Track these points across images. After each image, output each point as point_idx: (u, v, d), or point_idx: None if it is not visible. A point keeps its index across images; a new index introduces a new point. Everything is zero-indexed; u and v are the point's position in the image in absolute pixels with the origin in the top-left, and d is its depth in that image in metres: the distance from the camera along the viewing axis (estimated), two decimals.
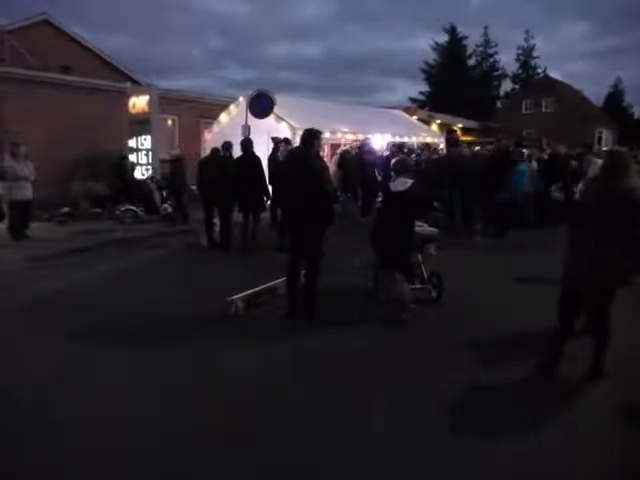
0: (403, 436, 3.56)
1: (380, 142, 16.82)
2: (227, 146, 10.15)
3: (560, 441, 3.49)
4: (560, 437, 3.54)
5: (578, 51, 79.16)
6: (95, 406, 3.94)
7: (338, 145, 16.67)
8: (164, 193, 13.54)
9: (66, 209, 12.97)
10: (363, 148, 14.27)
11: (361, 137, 16.28)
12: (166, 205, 13.12)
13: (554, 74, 47.13)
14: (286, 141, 11.72)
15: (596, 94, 52.47)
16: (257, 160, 9.61)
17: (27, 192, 10.38)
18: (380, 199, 6.12)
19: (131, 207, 12.53)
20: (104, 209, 13.46)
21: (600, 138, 39.32)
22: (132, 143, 14.32)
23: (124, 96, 14.71)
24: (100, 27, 62.53)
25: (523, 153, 12.50)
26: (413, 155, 13.51)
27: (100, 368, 4.64)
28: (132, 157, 14.06)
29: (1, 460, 3.28)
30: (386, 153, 13.69)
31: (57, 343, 5.17)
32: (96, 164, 14.52)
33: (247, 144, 9.71)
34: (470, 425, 3.73)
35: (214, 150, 10.04)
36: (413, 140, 19.50)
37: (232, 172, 9.36)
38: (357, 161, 13.07)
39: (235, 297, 6.08)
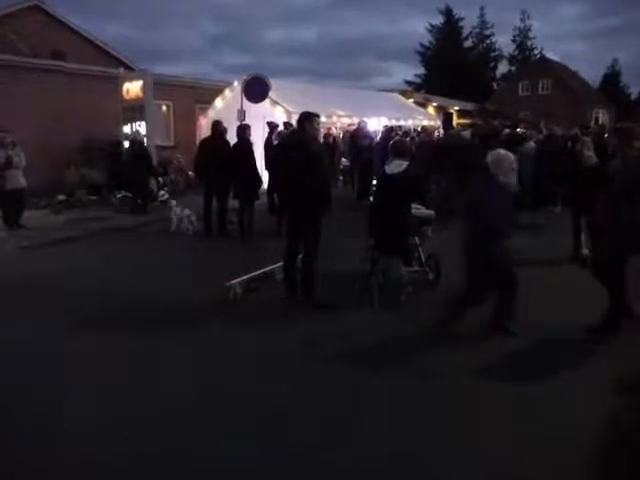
0: (402, 414, 3.61)
1: (376, 125, 16.76)
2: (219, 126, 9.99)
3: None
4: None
5: (574, 32, 78.73)
6: (94, 391, 3.96)
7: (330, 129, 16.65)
8: (160, 180, 13.49)
9: (61, 197, 12.90)
10: (358, 132, 14.23)
11: (356, 120, 16.22)
12: (163, 192, 13.07)
13: (551, 55, 46.87)
14: (286, 125, 11.65)
15: (593, 75, 52.27)
16: (251, 147, 9.57)
17: (19, 181, 10.29)
18: (376, 182, 6.10)
19: (126, 194, 12.47)
20: (100, 196, 13.39)
21: (597, 119, 39.20)
22: (127, 129, 14.20)
23: (118, 82, 14.56)
24: (93, 13, 61.90)
25: (523, 136, 12.47)
26: (408, 138, 13.45)
27: (99, 353, 4.65)
28: (126, 143, 13.94)
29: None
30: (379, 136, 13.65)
31: (56, 329, 5.19)
32: (91, 151, 14.43)
33: (243, 130, 9.65)
34: (470, 407, 3.76)
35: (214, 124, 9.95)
36: (409, 123, 19.42)
37: (226, 155, 9.32)
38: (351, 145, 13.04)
39: (233, 282, 6.09)
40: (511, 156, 4.92)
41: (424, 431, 3.43)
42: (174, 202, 10.32)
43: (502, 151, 5.04)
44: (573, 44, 75.82)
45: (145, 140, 13.23)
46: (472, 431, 3.42)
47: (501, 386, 4.02)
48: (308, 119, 5.79)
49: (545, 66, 42.26)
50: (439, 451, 3.21)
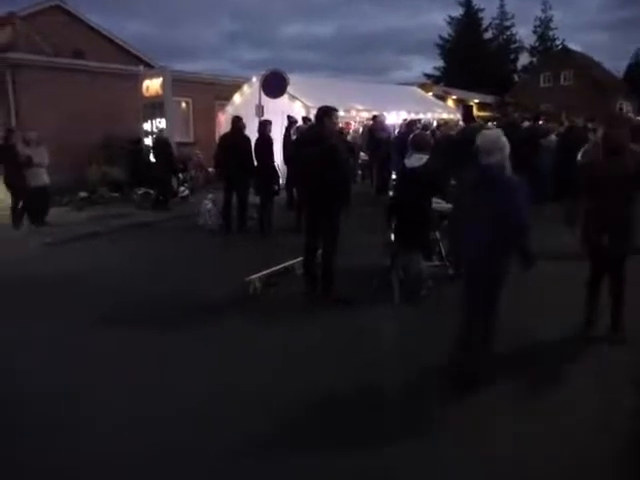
0: (420, 404, 3.59)
1: (395, 119, 16.65)
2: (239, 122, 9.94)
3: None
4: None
5: (597, 22, 76.87)
6: (113, 388, 4.01)
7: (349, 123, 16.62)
8: (180, 176, 13.58)
9: (84, 194, 13.08)
10: (376, 125, 14.14)
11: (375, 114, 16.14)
12: (183, 187, 13.17)
13: (573, 46, 45.91)
14: (305, 119, 11.65)
15: (617, 66, 51.14)
16: (271, 143, 9.58)
17: (43, 178, 10.46)
18: (395, 176, 6.06)
19: (148, 190, 12.59)
20: (121, 193, 13.54)
21: (621, 110, 38.39)
22: (147, 126, 14.33)
23: (138, 79, 14.69)
24: (112, 12, 62.40)
25: (547, 130, 12.30)
26: (428, 131, 13.32)
27: (120, 349, 4.71)
28: (147, 140, 14.07)
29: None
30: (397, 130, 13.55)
31: (80, 325, 5.27)
32: (112, 148, 14.59)
33: (263, 126, 9.68)
34: (487, 399, 3.72)
35: (234, 120, 9.94)
36: (428, 116, 19.23)
37: (245, 151, 9.35)
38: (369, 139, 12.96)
39: (253, 277, 6.11)
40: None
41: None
42: (210, 195, 10.27)
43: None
44: (596, 34, 74.26)
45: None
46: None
47: (505, 385, 3.98)
48: (327, 113, 5.76)
49: (567, 57, 41.44)
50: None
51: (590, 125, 12.89)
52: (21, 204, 10.26)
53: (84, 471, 3.05)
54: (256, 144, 9.56)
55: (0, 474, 3.05)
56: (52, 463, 3.13)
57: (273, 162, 9.72)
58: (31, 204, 10.32)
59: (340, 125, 15.79)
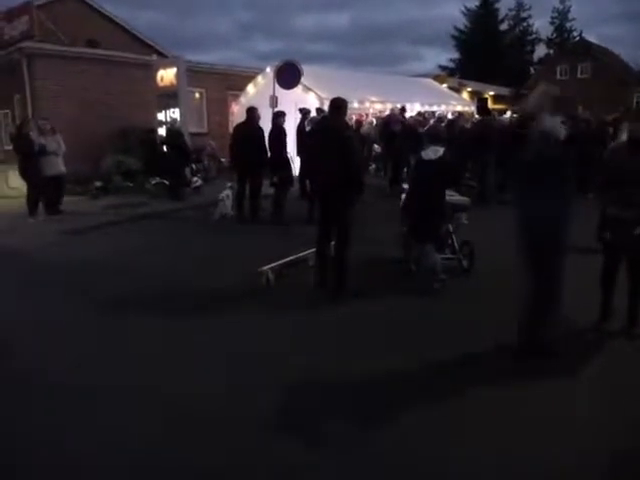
0: (432, 397, 3.61)
1: (409, 112, 16.57)
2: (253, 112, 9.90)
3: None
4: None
5: (616, 13, 75.47)
6: (126, 374, 4.06)
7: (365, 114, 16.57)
8: (194, 166, 13.61)
9: (99, 183, 13.16)
10: (390, 118, 14.09)
11: (389, 106, 16.08)
12: (196, 178, 13.22)
13: (590, 38, 45.16)
14: (319, 111, 11.64)
15: (634, 57, 50.22)
16: (283, 133, 9.60)
17: (58, 167, 10.54)
18: (412, 168, 6.04)
19: (161, 180, 12.65)
20: (135, 182, 13.62)
21: (639, 103, 37.80)
22: (161, 116, 14.37)
23: (152, 69, 14.72)
24: (127, 2, 62.43)
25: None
26: (443, 124, 13.25)
27: (134, 336, 4.77)
28: (161, 130, 14.12)
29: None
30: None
31: (92, 311, 5.34)
32: (126, 138, 14.66)
33: (277, 117, 9.69)
34: (500, 391, 3.71)
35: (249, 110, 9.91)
36: (442, 109, 19.11)
37: (258, 140, 9.36)
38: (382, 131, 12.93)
39: (266, 268, 6.13)
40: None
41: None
42: (229, 184, 10.26)
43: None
44: (614, 26, 72.50)
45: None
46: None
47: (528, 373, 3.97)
48: (339, 105, 5.74)
49: (584, 48, 40.82)
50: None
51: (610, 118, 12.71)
52: (36, 192, 10.34)
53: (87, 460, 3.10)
54: (269, 135, 9.59)
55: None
56: (57, 463, 3.18)
57: (286, 153, 9.74)
58: (46, 193, 10.41)
59: (355, 117, 15.81)
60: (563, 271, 4.16)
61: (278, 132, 9.56)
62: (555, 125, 4.43)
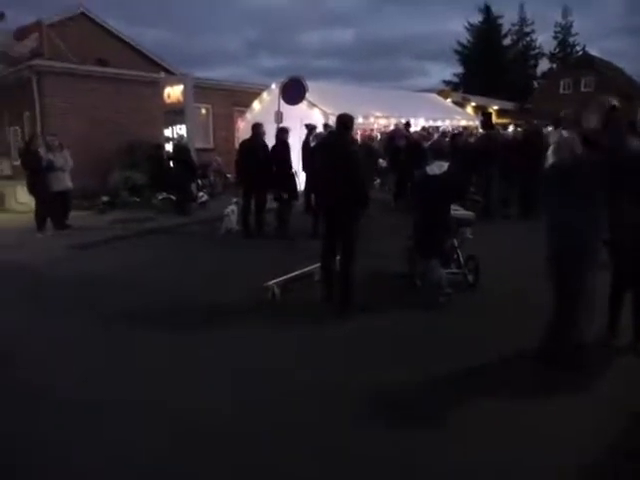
0: (436, 409, 3.62)
1: (413, 127, 16.68)
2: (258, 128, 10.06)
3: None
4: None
5: (618, 28, 75.88)
6: (133, 389, 4.08)
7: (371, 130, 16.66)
8: (200, 182, 13.72)
9: (106, 198, 13.29)
10: (395, 133, 14.19)
11: (394, 121, 16.20)
12: (202, 193, 13.32)
13: (593, 52, 45.38)
14: (326, 126, 11.77)
15: (637, 71, 50.41)
16: (287, 149, 9.69)
17: (65, 182, 10.68)
18: (416, 183, 6.08)
19: (168, 195, 12.75)
20: (142, 198, 13.74)
21: None
22: (168, 132, 14.53)
23: (159, 86, 14.92)
24: (136, 20, 63.49)
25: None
26: (447, 138, 13.34)
27: (141, 351, 4.80)
28: (168, 146, 14.27)
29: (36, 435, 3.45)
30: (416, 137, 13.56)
31: (100, 326, 5.38)
32: (134, 153, 14.82)
33: (280, 133, 9.79)
34: (503, 402, 3.72)
35: (254, 126, 10.06)
36: (447, 123, 19.22)
37: (263, 156, 9.46)
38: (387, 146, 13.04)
39: (271, 282, 6.16)
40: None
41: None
42: (235, 199, 10.34)
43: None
44: (617, 40, 73.02)
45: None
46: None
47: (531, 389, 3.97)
48: (345, 121, 5.81)
49: (587, 62, 41.03)
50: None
51: None
52: (44, 208, 10.45)
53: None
54: (273, 150, 9.69)
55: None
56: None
57: (290, 168, 9.82)
58: (53, 208, 10.52)
59: (361, 132, 15.93)
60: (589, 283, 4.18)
61: (282, 147, 9.66)
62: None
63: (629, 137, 4.64)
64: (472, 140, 13.34)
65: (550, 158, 4.34)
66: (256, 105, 16.66)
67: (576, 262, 4.15)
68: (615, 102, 4.82)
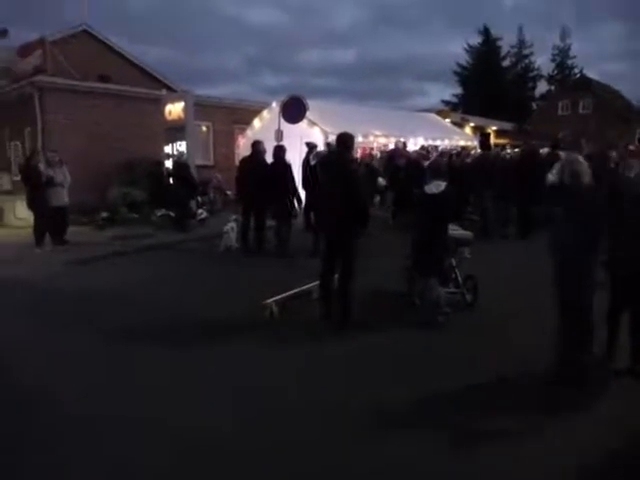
0: (434, 427, 3.60)
1: (412, 146, 16.83)
2: (258, 146, 10.18)
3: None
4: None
5: (616, 51, 76.76)
6: (133, 406, 4.07)
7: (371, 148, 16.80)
8: (199, 199, 13.77)
9: (105, 214, 13.31)
10: (394, 152, 14.30)
11: (393, 140, 16.33)
12: (201, 210, 13.35)
13: (591, 75, 45.90)
14: (328, 145, 11.87)
15: (636, 94, 50.95)
16: (287, 168, 9.74)
17: (63, 198, 10.72)
18: (414, 202, 6.12)
19: (167, 212, 12.78)
20: (140, 214, 13.77)
21: None
22: (168, 149, 14.62)
23: (160, 103, 15.04)
24: (138, 37, 64.12)
25: (558, 155, 12.26)
26: (445, 158, 13.43)
27: (141, 367, 4.79)
28: (168, 163, 14.34)
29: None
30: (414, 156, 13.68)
31: (100, 342, 5.37)
32: (133, 170, 14.89)
33: (277, 151, 9.86)
34: (500, 421, 3.71)
35: (254, 144, 10.16)
36: (446, 143, 19.37)
37: (262, 174, 9.52)
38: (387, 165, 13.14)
39: (270, 300, 6.16)
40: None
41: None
42: (234, 216, 10.37)
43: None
44: (614, 63, 73.89)
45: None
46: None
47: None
48: (345, 140, 5.88)
49: (585, 84, 41.48)
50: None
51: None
52: (43, 223, 10.46)
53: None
54: (271, 168, 9.73)
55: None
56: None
57: (288, 185, 9.81)
58: (52, 223, 10.53)
59: (360, 151, 16.05)
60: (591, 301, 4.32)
61: (280, 165, 9.70)
62: None
63: (630, 160, 4.73)
64: (469, 160, 13.44)
65: (553, 177, 4.45)
66: (256, 123, 16.80)
67: (577, 277, 4.28)
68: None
